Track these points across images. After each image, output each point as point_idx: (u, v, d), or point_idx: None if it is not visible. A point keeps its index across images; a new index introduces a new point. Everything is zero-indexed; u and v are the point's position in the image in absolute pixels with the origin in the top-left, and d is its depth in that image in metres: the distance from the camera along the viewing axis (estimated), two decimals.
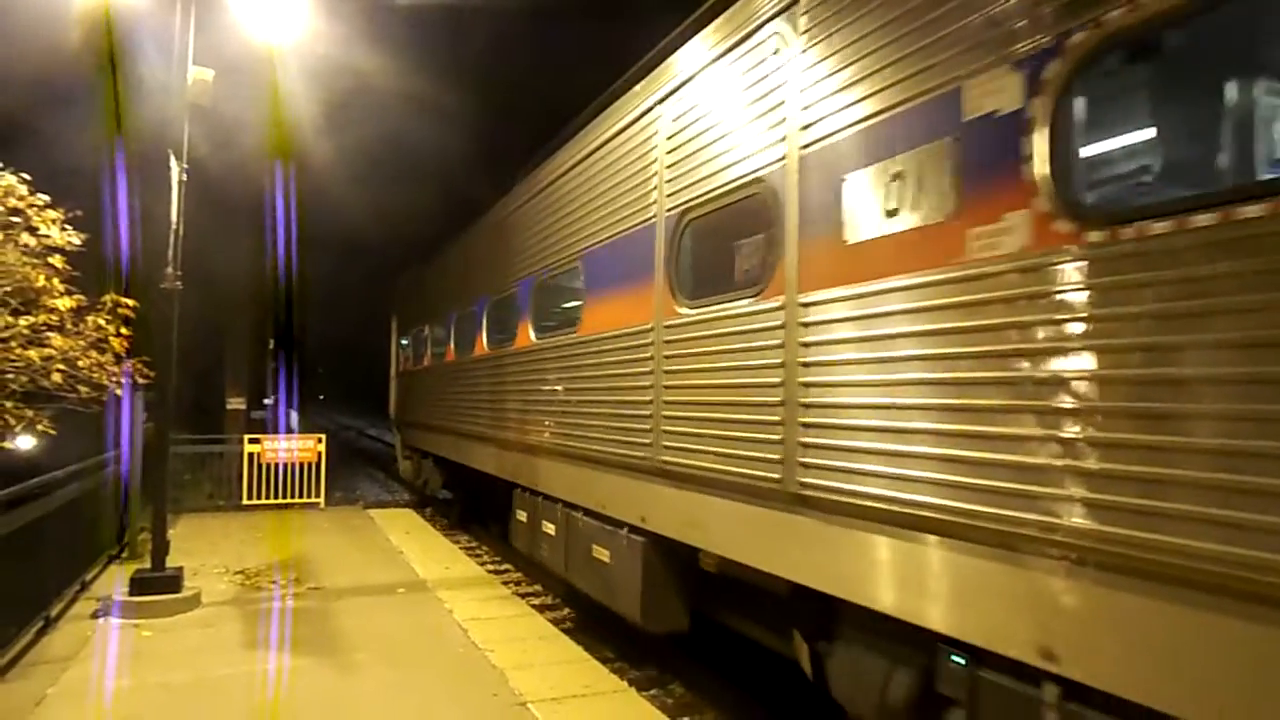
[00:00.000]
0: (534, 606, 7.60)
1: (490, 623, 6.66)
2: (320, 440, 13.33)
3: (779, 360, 4.14)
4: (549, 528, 7.42)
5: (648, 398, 5.50)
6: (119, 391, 7.94)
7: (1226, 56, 2.73)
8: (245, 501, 12.62)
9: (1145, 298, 2.49)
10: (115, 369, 8.33)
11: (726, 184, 4.70)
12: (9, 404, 7.56)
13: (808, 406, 3.92)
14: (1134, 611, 2.53)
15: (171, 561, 7.22)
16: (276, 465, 12.89)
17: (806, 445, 3.90)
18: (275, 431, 17.03)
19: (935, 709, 3.37)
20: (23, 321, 7.41)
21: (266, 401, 28.81)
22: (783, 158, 4.18)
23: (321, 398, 46.99)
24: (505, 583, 8.70)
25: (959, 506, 3.06)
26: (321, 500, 13.09)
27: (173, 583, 7.01)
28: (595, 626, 7.48)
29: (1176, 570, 2.41)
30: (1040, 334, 2.80)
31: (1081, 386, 2.66)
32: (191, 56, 7.12)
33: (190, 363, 9.86)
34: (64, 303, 7.47)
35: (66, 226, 7.69)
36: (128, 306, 8.28)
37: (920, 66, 3.33)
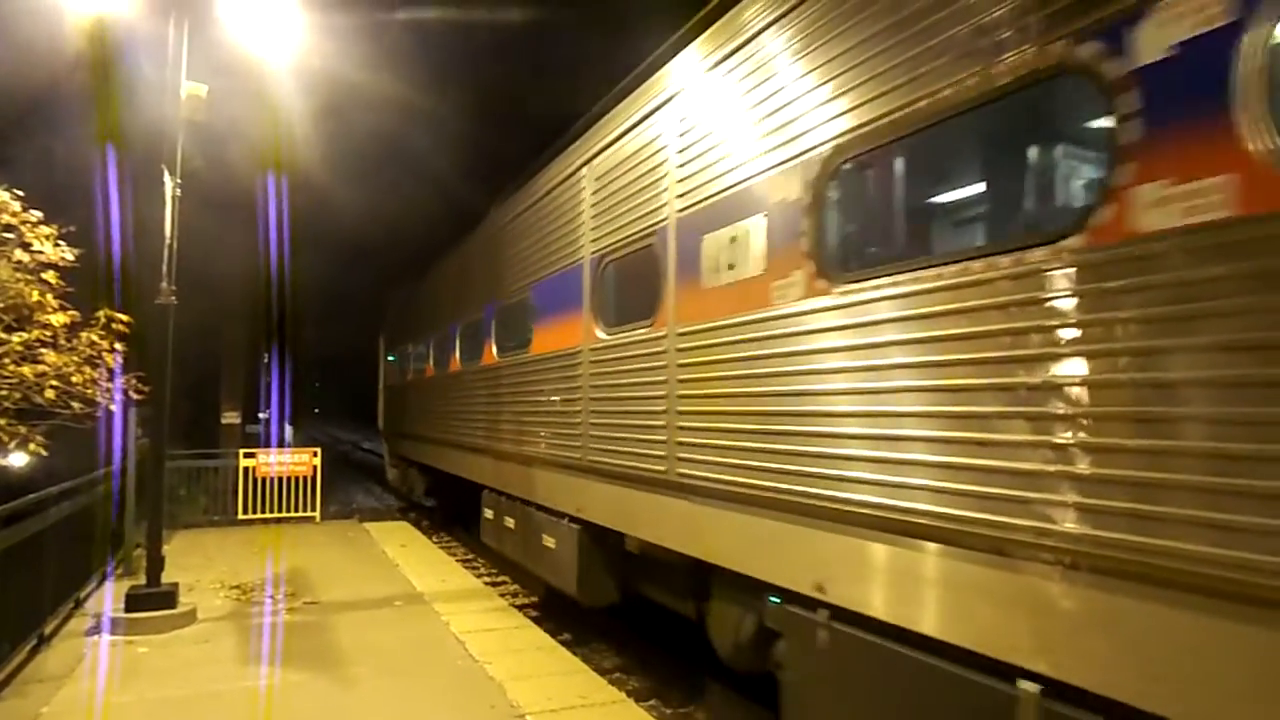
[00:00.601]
0: (531, 618, 7.58)
1: (488, 635, 6.63)
2: (315, 454, 13.30)
3: (663, 377, 5.20)
4: (510, 522, 8.30)
5: (578, 407, 6.57)
6: (112, 407, 7.92)
7: (907, 171, 3.83)
8: (241, 516, 12.58)
9: (868, 334, 3.55)
10: (109, 385, 8.32)
11: (630, 236, 5.79)
12: (2, 421, 7.54)
13: (682, 413, 4.95)
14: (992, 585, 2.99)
15: (167, 577, 7.19)
16: (272, 479, 12.85)
17: (682, 443, 4.92)
18: (270, 446, 16.98)
19: (767, 642, 4.39)
20: (16, 338, 7.40)
21: (261, 415, 28.74)
22: (665, 219, 5.27)
23: (317, 411, 46.91)
24: (503, 595, 8.67)
25: (769, 485, 4.14)
26: (317, 514, 13.05)
27: (168, 599, 6.98)
28: (593, 638, 7.46)
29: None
30: (812, 362, 3.91)
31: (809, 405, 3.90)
32: (185, 71, 7.13)
33: (185, 377, 9.84)
34: (58, 318, 7.46)
35: (60, 242, 7.69)
36: (122, 322, 8.28)
37: (743, 163, 4.51)
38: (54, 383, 7.59)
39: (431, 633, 6.75)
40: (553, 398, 7.15)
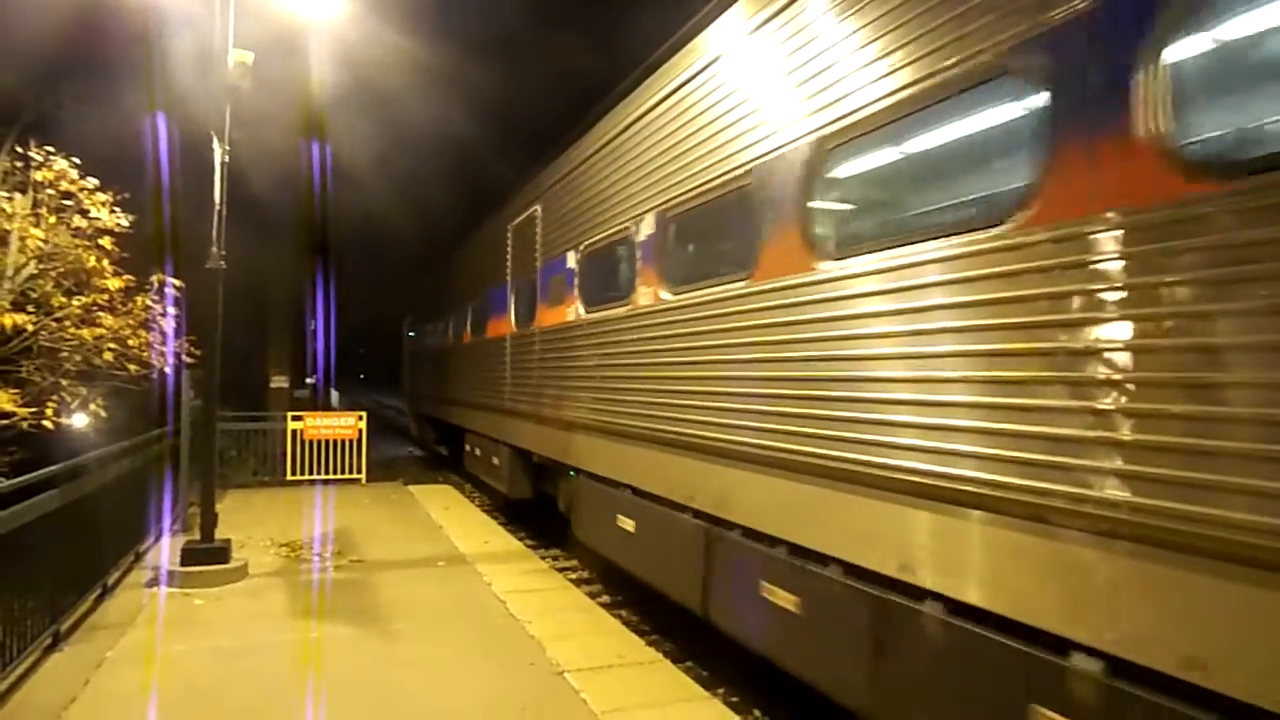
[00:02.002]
0: (571, 580, 7.71)
1: (528, 595, 6.77)
2: (361, 418, 13.58)
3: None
4: (478, 452, 12.25)
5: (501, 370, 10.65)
6: (166, 369, 8.17)
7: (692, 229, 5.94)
8: (289, 477, 12.94)
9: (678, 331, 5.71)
10: (163, 348, 8.58)
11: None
12: (65, 382, 7.83)
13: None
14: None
15: (219, 535, 7.44)
16: (319, 442, 13.17)
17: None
18: (317, 409, 17.36)
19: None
20: (75, 302, 7.66)
21: (309, 380, 29.33)
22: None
23: (362, 377, 47.75)
24: (543, 557, 8.83)
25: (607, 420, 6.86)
26: (363, 476, 13.36)
27: (221, 554, 7.23)
28: (632, 601, 7.57)
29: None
30: (653, 353, 6.12)
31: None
32: (232, 39, 7.22)
33: (234, 341, 10.09)
34: (113, 283, 7.72)
35: (115, 209, 7.91)
36: (176, 286, 8.50)
37: (628, 208, 6.60)
38: (111, 345, 7.86)
39: (473, 592, 6.92)
40: (484, 362, 10.38)
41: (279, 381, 19.97)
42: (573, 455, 7.88)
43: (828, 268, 4.13)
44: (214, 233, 7.26)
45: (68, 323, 7.49)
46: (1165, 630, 2.50)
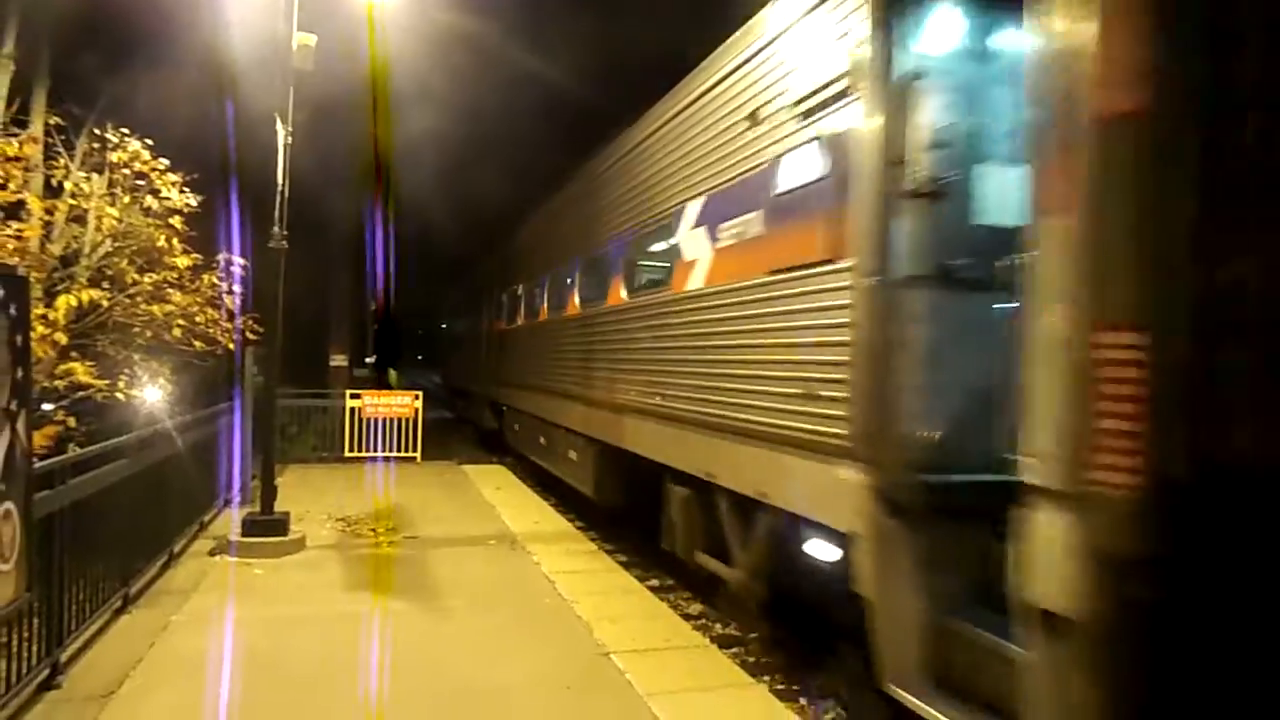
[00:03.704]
0: (620, 563, 7.74)
1: (576, 576, 6.82)
2: (417, 397, 13.83)
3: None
4: (517, 427, 14.19)
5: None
6: (231, 346, 8.42)
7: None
8: (347, 454, 13.24)
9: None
10: (229, 325, 8.83)
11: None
12: (136, 356, 8.12)
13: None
14: None
15: (279, 508, 7.67)
16: (376, 420, 13.45)
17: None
18: (376, 388, 17.76)
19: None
20: (147, 279, 7.92)
21: (368, 360, 29.95)
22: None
23: (420, 358, 48.69)
24: (592, 539, 8.87)
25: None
26: (418, 455, 13.61)
27: (280, 526, 7.45)
28: (680, 585, 7.58)
29: None
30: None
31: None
32: (296, 23, 7.36)
33: (297, 320, 10.36)
34: (182, 261, 7.95)
35: (185, 189, 8.14)
36: (241, 265, 8.73)
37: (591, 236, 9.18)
38: (180, 322, 8.12)
39: (523, 571, 7.00)
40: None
41: (339, 360, 20.41)
42: (524, 405, 12.87)
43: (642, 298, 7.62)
44: (277, 213, 7.44)
45: (139, 299, 7.76)
46: (755, 475, 5.18)
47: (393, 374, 25.88)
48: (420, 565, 7.08)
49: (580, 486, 9.42)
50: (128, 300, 7.73)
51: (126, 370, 7.84)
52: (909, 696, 3.66)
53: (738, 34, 5.69)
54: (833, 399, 4.26)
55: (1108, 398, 2.68)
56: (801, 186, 4.79)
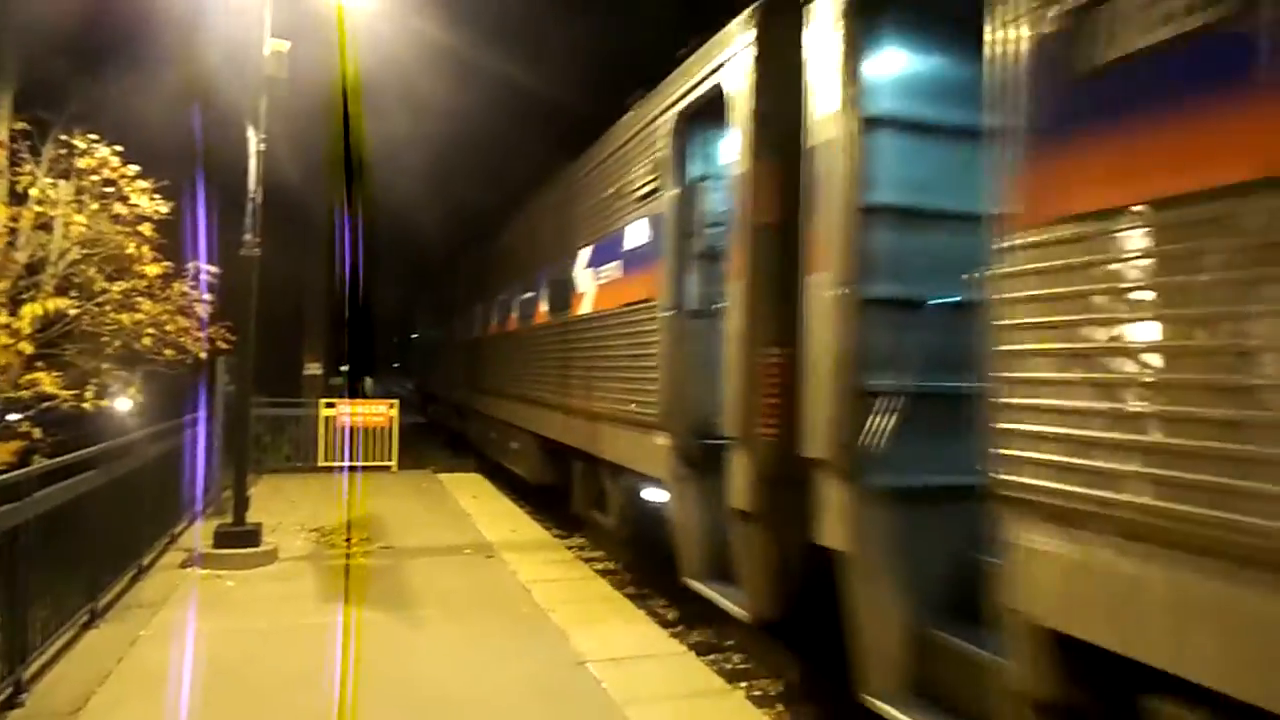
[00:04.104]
0: (597, 571, 7.72)
1: (553, 584, 6.80)
2: (393, 406, 13.73)
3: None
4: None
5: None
6: (202, 355, 8.32)
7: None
8: (321, 463, 13.11)
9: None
10: (199, 334, 8.72)
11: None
12: (104, 365, 8.00)
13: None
14: None
15: (251, 519, 7.57)
16: (351, 429, 13.33)
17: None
18: (351, 397, 17.63)
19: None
20: (116, 287, 7.82)
21: (343, 369, 29.68)
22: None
23: (396, 366, 48.41)
24: (569, 547, 8.85)
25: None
26: (394, 464, 13.51)
27: (252, 537, 7.35)
28: (657, 592, 7.57)
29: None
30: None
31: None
32: (269, 29, 7.30)
33: (270, 328, 10.27)
34: (152, 269, 7.86)
35: (155, 196, 8.04)
36: (211, 273, 8.63)
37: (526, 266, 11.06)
38: (150, 330, 8.01)
39: (499, 580, 6.96)
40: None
41: (313, 369, 20.24)
42: (479, 406, 14.61)
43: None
44: (249, 220, 7.37)
45: (108, 308, 7.65)
46: (619, 449, 7.08)
47: (368, 382, 25.70)
48: (394, 575, 7.02)
49: (521, 472, 11.45)
50: (96, 309, 7.63)
51: (95, 380, 7.72)
52: (696, 584, 5.88)
53: (608, 133, 7.95)
54: (651, 391, 6.24)
55: (763, 386, 4.76)
56: (638, 247, 6.80)
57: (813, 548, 4.23)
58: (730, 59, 5.27)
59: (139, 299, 7.81)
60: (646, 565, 7.50)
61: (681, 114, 6.05)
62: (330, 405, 13.50)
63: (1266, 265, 2.06)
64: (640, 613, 6.29)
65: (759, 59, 4.97)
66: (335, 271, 23.09)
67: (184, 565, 7.09)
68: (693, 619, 6.74)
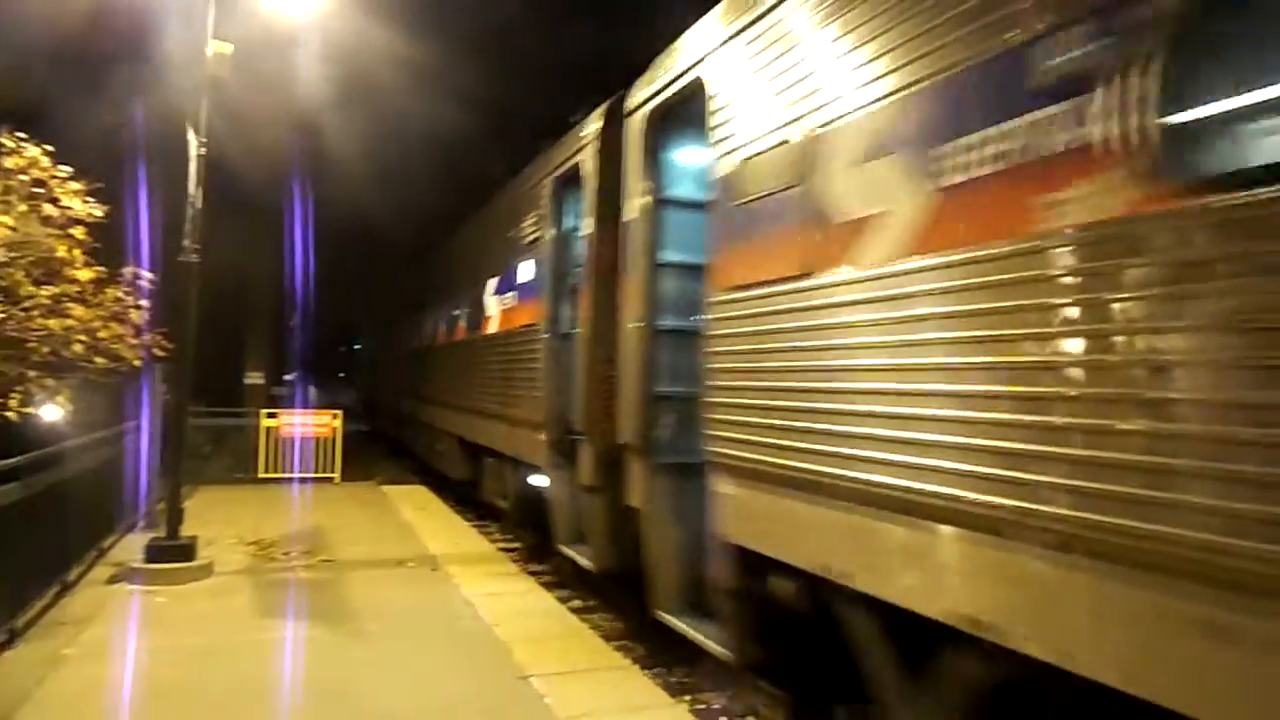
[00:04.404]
0: (542, 584, 7.66)
1: (498, 598, 6.73)
2: (336, 416, 13.48)
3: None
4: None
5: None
6: (137, 363, 8.04)
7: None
8: (262, 475, 12.80)
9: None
10: (135, 341, 8.44)
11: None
12: (32, 373, 7.68)
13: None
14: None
15: (188, 531, 7.35)
16: (293, 440, 13.05)
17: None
18: (295, 407, 17.27)
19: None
20: (44, 292, 7.51)
21: (287, 378, 29.06)
22: None
23: (342, 375, 47.61)
24: (515, 560, 8.77)
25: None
26: (337, 475, 13.25)
27: (187, 551, 7.13)
28: (602, 605, 7.54)
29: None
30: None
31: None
32: (211, 30, 7.16)
33: (210, 337, 10.02)
34: (85, 274, 7.57)
35: (88, 199, 7.77)
36: (147, 279, 8.37)
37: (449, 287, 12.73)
38: (81, 337, 7.72)
39: (443, 594, 6.86)
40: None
41: (255, 378, 19.76)
42: (413, 412, 15.87)
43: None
44: (188, 226, 7.18)
45: (35, 313, 7.35)
46: (515, 445, 8.73)
47: (312, 391, 25.19)
48: (336, 589, 6.88)
49: (445, 469, 12.73)
50: (22, 314, 7.32)
51: (20, 388, 7.41)
52: (564, 548, 7.37)
53: (510, 184, 9.95)
54: (538, 398, 7.69)
55: (600, 394, 6.28)
56: (527, 281, 8.56)
57: (627, 509, 5.94)
58: (585, 145, 6.88)
59: (70, 304, 7.52)
60: (536, 539, 8.97)
61: (557, 179, 7.70)
62: (272, 415, 13.20)
63: (782, 323, 3.91)
64: (584, 626, 6.25)
65: (600, 150, 6.56)
66: (280, 280, 22.64)
67: (113, 581, 6.84)
68: (637, 634, 6.73)
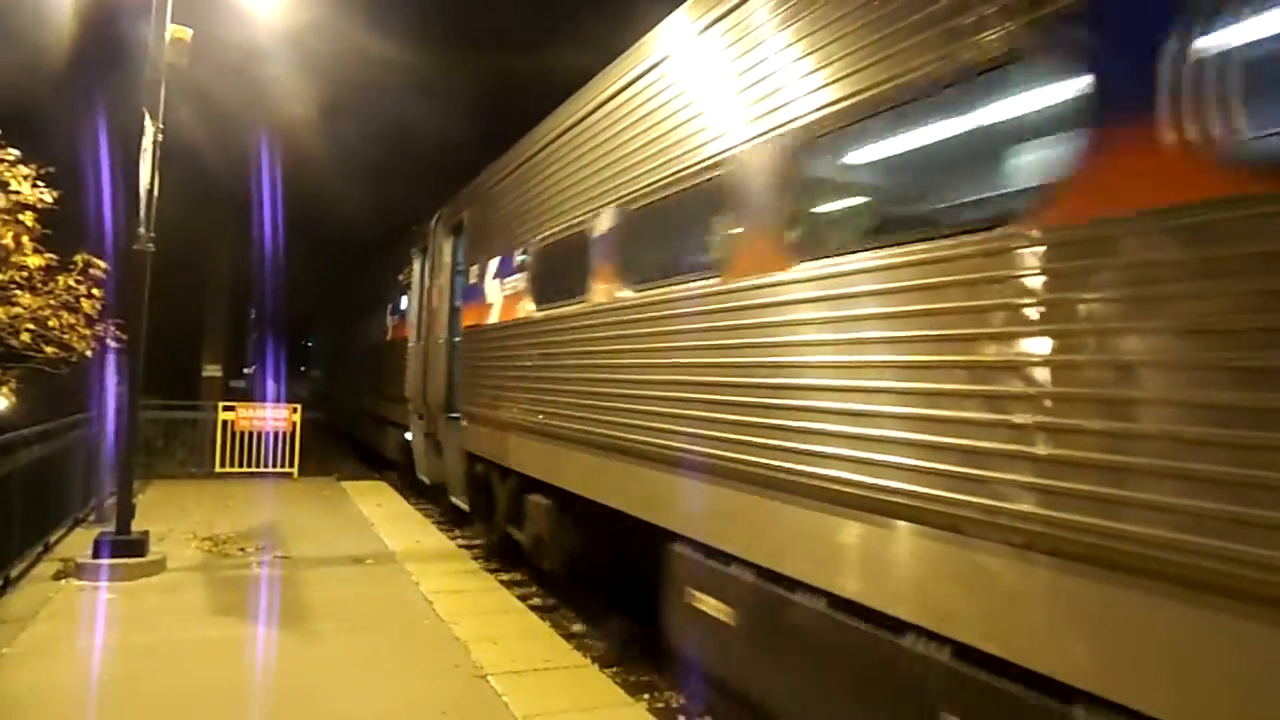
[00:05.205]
0: (502, 582, 7.62)
1: (456, 596, 6.67)
2: (296, 410, 13.26)
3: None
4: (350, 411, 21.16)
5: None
6: (89, 353, 7.83)
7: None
8: (218, 469, 12.56)
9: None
10: (87, 330, 8.21)
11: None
12: None
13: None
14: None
15: (139, 526, 7.19)
16: (251, 434, 12.81)
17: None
18: (254, 400, 16.96)
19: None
20: None
21: (246, 370, 28.54)
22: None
23: (303, 369, 46.89)
24: (475, 557, 8.70)
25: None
26: (295, 470, 13.05)
27: (137, 546, 6.97)
28: (561, 604, 7.51)
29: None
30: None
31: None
32: (170, 14, 6.99)
33: (167, 328, 9.79)
34: (34, 260, 7.36)
35: (39, 183, 7.54)
36: (100, 267, 8.16)
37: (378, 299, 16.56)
38: (29, 325, 7.50)
39: (401, 592, 6.78)
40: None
41: (212, 370, 19.38)
42: (369, 405, 16.99)
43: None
44: (142, 214, 7.01)
45: None
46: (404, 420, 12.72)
47: (270, 385, 24.78)
48: (292, 586, 6.76)
49: (391, 455, 14.46)
50: None
51: None
52: (425, 480, 11.31)
53: (403, 236, 13.69)
54: (409, 384, 11.79)
55: (432, 380, 10.57)
56: (404, 309, 13.14)
57: (437, 441, 10.27)
58: (426, 234, 11.47)
59: (17, 291, 7.30)
60: (413, 481, 12.19)
61: (416, 248, 12.15)
62: (229, 408, 12.94)
63: (537, 350, 6.99)
64: (544, 625, 6.23)
65: (431, 235, 11.11)
66: (241, 274, 22.23)
67: (59, 577, 6.66)
68: (596, 632, 6.71)
